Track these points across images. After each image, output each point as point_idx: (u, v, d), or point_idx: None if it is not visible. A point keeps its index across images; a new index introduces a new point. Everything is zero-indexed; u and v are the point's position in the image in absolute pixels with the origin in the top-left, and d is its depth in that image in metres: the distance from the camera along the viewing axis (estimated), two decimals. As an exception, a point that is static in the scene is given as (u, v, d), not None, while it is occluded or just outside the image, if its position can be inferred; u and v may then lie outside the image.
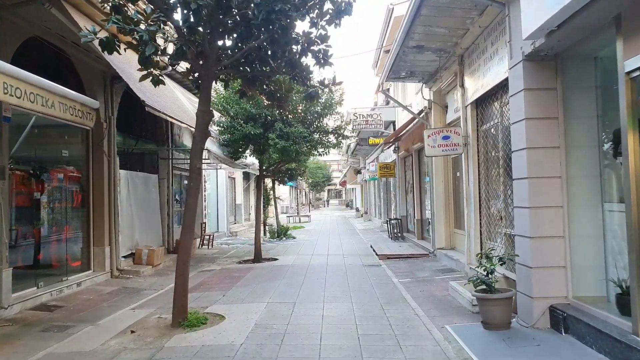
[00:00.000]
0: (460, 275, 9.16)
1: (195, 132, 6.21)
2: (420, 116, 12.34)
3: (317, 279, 9.37)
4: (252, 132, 11.13)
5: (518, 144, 5.84)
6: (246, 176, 26.24)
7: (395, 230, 16.80)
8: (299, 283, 8.96)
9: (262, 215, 13.68)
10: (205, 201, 17.26)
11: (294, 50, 6.32)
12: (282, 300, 7.51)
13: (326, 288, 8.45)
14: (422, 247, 13.40)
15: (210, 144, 12.14)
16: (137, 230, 11.57)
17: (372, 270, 10.46)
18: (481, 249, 8.95)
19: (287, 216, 32.69)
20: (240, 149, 12.12)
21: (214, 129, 12.67)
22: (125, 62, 8.15)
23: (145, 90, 9.97)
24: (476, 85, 8.67)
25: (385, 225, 21.92)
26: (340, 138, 12.60)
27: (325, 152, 12.83)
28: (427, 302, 7.20)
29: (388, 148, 17.45)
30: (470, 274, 8.95)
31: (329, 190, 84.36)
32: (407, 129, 14.51)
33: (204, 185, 17.24)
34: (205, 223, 16.49)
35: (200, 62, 6.27)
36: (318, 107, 11.97)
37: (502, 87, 7.73)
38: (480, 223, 8.94)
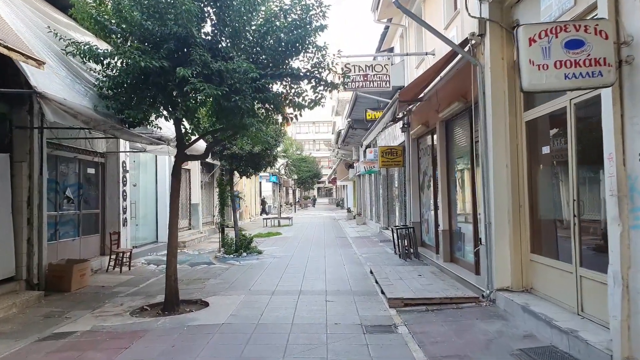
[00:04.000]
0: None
1: None
2: (465, 49, 6.90)
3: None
4: (147, 65, 5.59)
5: None
6: (208, 167, 20.64)
7: (406, 244, 11.39)
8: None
9: (177, 226, 8.12)
10: (125, 200, 11.65)
11: None
12: None
13: None
14: (456, 279, 7.99)
15: (79, 96, 6.51)
16: None
17: (382, 349, 4.98)
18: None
19: (263, 218, 27.11)
20: (132, 103, 6.39)
21: (91, 68, 7.06)
22: None
23: None
24: None
25: (386, 232, 16.59)
26: (321, 88, 7.03)
27: (296, 116, 7.32)
28: None
29: (393, 123, 11.99)
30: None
31: (318, 189, 78.85)
32: (432, 85, 9.07)
33: (124, 177, 11.63)
34: (119, 233, 10.88)
35: None
36: (282, 32, 6.44)
37: None
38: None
